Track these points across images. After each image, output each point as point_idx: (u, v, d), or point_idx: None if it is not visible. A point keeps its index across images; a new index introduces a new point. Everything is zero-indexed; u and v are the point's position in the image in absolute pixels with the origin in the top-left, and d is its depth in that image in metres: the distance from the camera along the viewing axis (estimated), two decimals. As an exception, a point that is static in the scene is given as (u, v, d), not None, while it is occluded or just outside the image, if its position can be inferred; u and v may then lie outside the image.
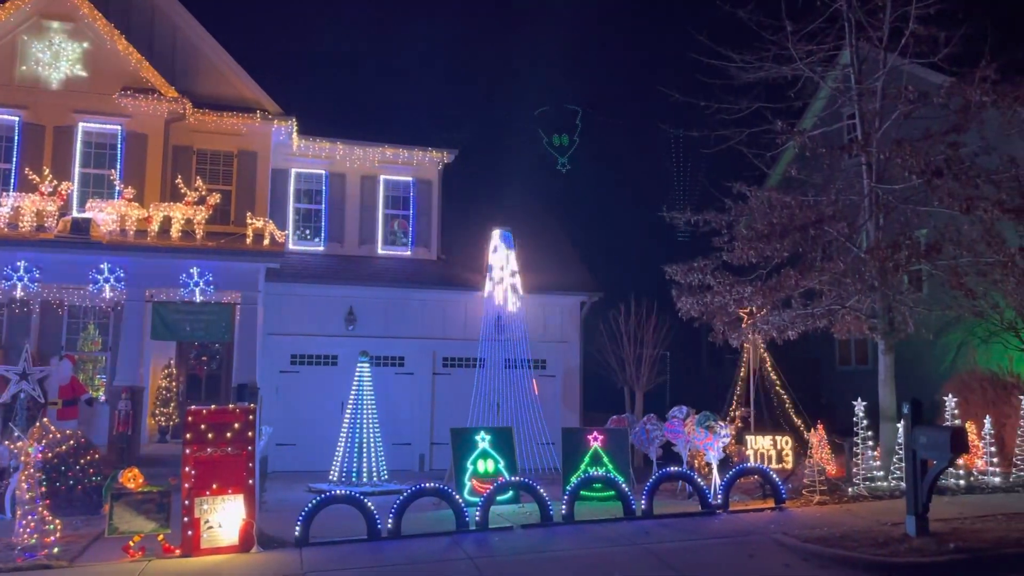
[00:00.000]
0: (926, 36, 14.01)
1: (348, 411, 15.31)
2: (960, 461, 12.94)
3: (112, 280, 14.93)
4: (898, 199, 14.47)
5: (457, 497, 11.29)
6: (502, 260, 17.46)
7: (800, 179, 15.96)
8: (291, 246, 18.48)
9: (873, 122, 14.76)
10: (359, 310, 18.02)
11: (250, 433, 10.17)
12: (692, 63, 15.69)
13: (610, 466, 13.54)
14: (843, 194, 14.92)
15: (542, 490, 11.56)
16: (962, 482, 13.30)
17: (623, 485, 12.25)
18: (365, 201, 19.48)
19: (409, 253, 19.60)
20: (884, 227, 14.73)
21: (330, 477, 15.06)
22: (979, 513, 11.20)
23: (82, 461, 12.23)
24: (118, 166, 16.77)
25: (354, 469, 14.80)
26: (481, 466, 13.33)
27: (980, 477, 13.61)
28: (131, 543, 9.61)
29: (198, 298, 15.28)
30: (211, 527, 9.79)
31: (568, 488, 12.01)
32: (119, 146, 16.88)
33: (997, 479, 13.52)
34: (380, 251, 19.42)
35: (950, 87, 13.74)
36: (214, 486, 9.85)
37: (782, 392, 16.46)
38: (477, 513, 11.01)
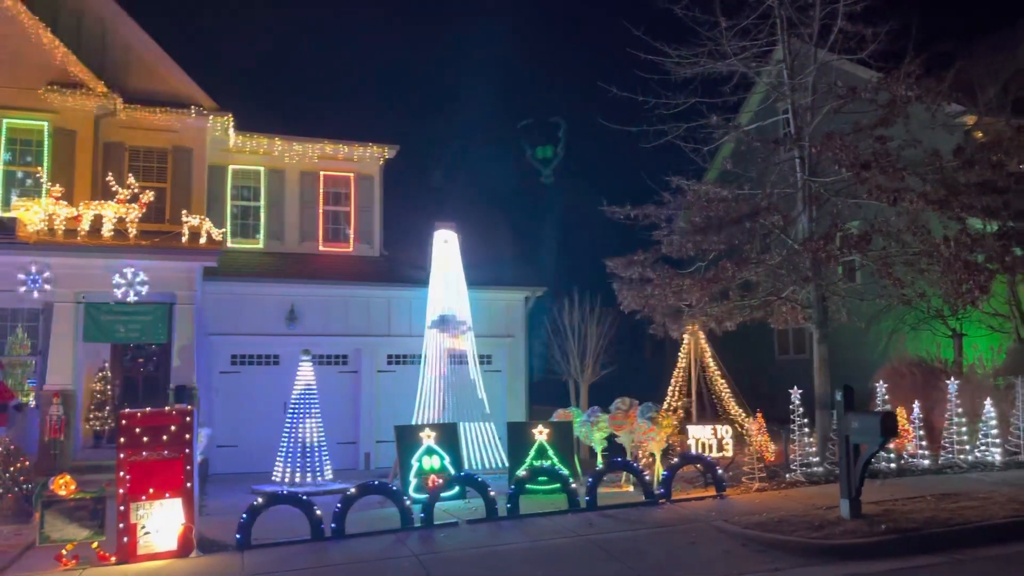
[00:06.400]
0: (854, 33, 14.38)
1: (290, 411, 15.09)
2: (891, 445, 13.35)
3: (40, 281, 14.45)
4: (830, 191, 14.84)
5: (401, 494, 11.23)
6: (446, 256, 17.38)
7: (736, 173, 16.25)
8: (229, 244, 18.11)
9: (805, 117, 15.11)
10: (300, 308, 17.77)
11: (187, 435, 9.97)
12: (630, 59, 15.86)
13: (555, 459, 13.60)
14: (777, 187, 15.24)
15: (488, 485, 11.58)
16: (893, 465, 13.71)
17: (568, 478, 12.34)
18: (305, 197, 19.20)
19: (351, 250, 19.38)
20: (817, 219, 15.09)
21: (273, 478, 14.83)
22: (909, 495, 11.56)
23: (11, 469, 11.82)
24: (45, 163, 16.22)
25: (297, 469, 14.60)
26: (426, 463, 13.27)
27: (910, 460, 14.05)
28: (64, 552, 9.33)
29: (132, 299, 14.87)
30: (148, 533, 9.56)
31: (513, 482, 12.04)
32: (46, 143, 16.31)
33: (927, 462, 13.98)
34: (321, 248, 19.17)
35: (877, 82, 14.14)
36: (151, 490, 9.63)
37: (722, 382, 16.76)
38: (422, 510, 10.97)
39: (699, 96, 15.61)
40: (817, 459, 13.84)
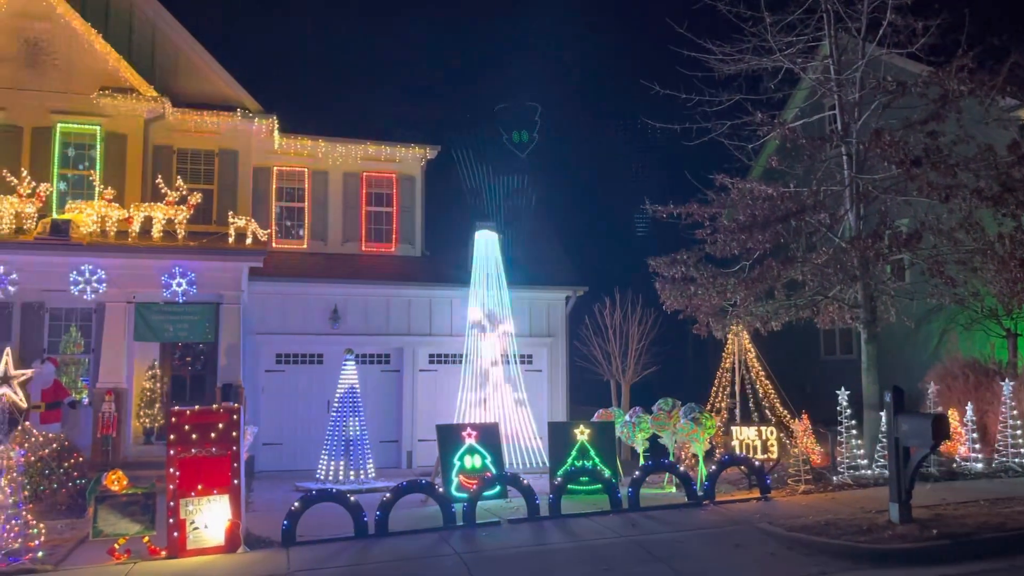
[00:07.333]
0: (903, 26, 14.11)
1: (334, 409, 15.30)
2: (942, 448, 13.07)
3: (93, 282, 14.84)
4: (879, 189, 14.59)
5: (443, 493, 11.31)
6: (486, 255, 17.45)
7: (782, 170, 16.05)
8: (274, 245, 18.36)
9: (853, 112, 14.87)
10: (343, 308, 17.98)
11: (234, 433, 10.15)
12: (673, 56, 15.76)
13: (597, 459, 13.59)
14: (824, 185, 15.02)
15: (529, 484, 11.60)
16: (945, 469, 13.43)
17: (610, 478, 12.33)
18: (348, 198, 19.41)
19: (393, 250, 19.55)
20: (865, 217, 14.85)
21: (317, 476, 15.05)
22: (962, 499, 11.32)
23: (66, 464, 12.17)
24: (97, 167, 16.65)
25: (341, 467, 14.80)
26: (468, 462, 13.34)
27: (963, 463, 13.75)
28: (116, 545, 9.58)
29: (180, 299, 15.20)
30: (197, 528, 9.77)
31: (555, 482, 12.06)
32: (98, 147, 16.75)
33: (980, 465, 13.66)
34: (364, 248, 19.36)
35: (928, 77, 13.85)
36: (199, 487, 9.83)
37: (767, 382, 16.58)
38: (464, 509, 11.03)
39: (743, 93, 15.47)
40: (865, 461, 13.61)
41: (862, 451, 13.72)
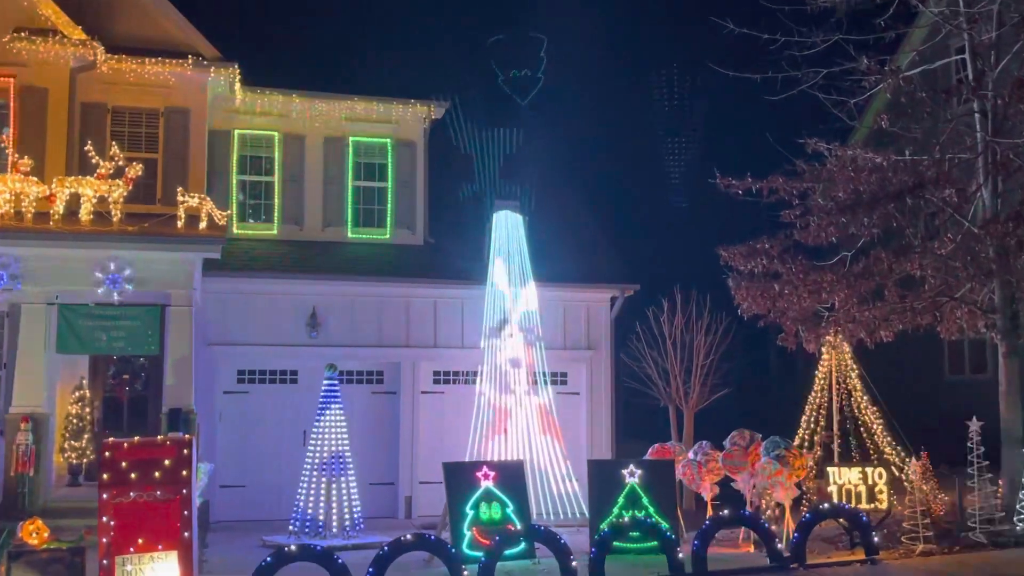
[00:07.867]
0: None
1: (311, 442, 15.35)
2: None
3: (5, 277, 14.96)
4: (1023, 157, 14.46)
5: (454, 551, 11.33)
6: (509, 243, 17.43)
7: (894, 133, 15.97)
8: (235, 230, 18.46)
9: (988, 57, 14.79)
10: (324, 312, 18.03)
11: (185, 472, 10.22)
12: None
13: (651, 508, 13.59)
14: (950, 151, 14.92)
15: (564, 540, 11.60)
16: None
17: (668, 533, 12.31)
18: (330, 171, 19.46)
19: (388, 237, 19.58)
20: (1004, 194, 14.74)
21: (290, 528, 15.12)
22: None
23: (-30, 511, 12.29)
24: (11, 130, 16.79)
25: (320, 517, 14.84)
26: (484, 511, 13.36)
27: None
28: (34, 615, 9.67)
29: (116, 299, 15.30)
30: (137, 593, 9.84)
31: (597, 537, 12.06)
32: (11, 104, 16.88)
33: None
34: (350, 235, 19.41)
35: (1090, 9, 13.71)
36: (140, 541, 9.90)
37: (874, 410, 16.46)
38: (479, 571, 11.02)
39: (843, 32, 15.39)
40: (1004, 514, 13.53)
41: (1000, 500, 13.63)
